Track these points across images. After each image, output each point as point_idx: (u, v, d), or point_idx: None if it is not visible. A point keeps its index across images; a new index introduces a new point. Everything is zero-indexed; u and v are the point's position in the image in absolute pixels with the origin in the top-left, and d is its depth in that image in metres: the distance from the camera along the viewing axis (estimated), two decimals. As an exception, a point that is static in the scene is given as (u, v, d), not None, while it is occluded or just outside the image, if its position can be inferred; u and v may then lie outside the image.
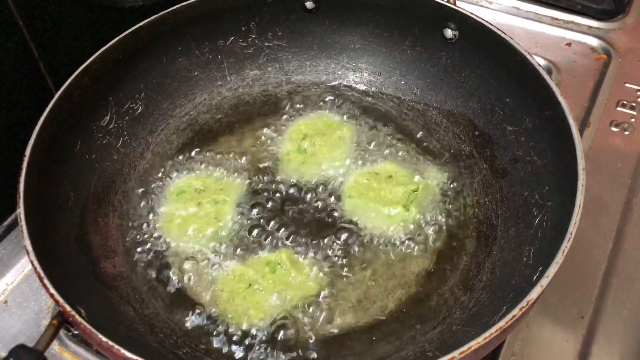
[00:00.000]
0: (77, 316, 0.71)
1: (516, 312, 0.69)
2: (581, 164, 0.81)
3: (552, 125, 0.90)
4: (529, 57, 0.95)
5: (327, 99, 1.18)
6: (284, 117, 1.15)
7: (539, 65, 0.94)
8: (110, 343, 0.69)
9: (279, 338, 0.87)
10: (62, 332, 0.97)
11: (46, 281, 0.74)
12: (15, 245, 1.10)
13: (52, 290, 0.73)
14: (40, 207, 0.86)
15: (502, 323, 0.68)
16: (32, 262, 0.76)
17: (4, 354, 0.71)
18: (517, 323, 0.71)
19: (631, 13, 1.43)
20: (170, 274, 0.94)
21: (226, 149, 1.10)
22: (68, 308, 0.72)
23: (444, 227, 0.98)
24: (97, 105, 1.03)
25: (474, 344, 0.66)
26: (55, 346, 0.96)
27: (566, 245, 0.74)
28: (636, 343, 0.92)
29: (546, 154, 0.92)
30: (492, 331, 0.67)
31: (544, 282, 0.71)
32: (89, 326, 0.70)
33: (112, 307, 0.88)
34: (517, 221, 0.93)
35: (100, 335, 0.69)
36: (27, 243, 0.78)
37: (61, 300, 0.72)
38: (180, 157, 1.09)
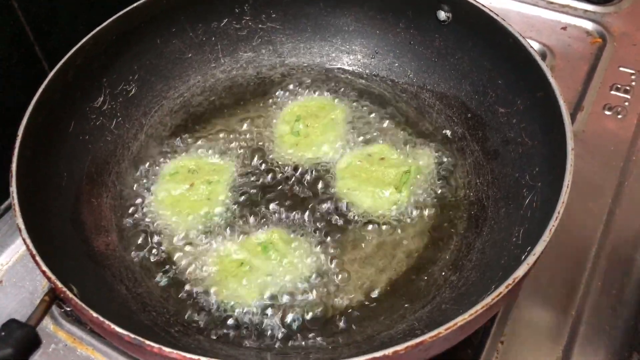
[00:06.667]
0: (68, 292, 0.72)
1: (502, 289, 0.70)
2: (570, 144, 0.81)
3: (543, 106, 0.90)
4: (521, 38, 0.95)
5: (320, 81, 1.18)
6: (278, 99, 1.16)
7: (531, 46, 0.94)
8: (102, 319, 0.69)
9: (269, 317, 0.87)
10: (56, 312, 0.98)
11: (38, 258, 0.74)
12: (10, 226, 1.10)
13: (44, 267, 0.73)
14: (33, 187, 0.86)
15: (488, 300, 0.68)
16: (24, 239, 0.76)
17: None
18: (503, 300, 0.71)
19: (627, -3, 1.43)
20: (163, 253, 0.95)
21: (219, 131, 1.11)
22: (59, 284, 0.72)
23: (436, 208, 0.98)
24: (90, 86, 1.03)
25: (460, 320, 0.67)
26: (50, 325, 0.97)
27: (553, 224, 0.74)
28: (624, 323, 0.93)
29: (537, 135, 0.92)
30: (478, 308, 0.68)
31: (531, 259, 0.72)
32: (80, 302, 0.71)
33: (105, 286, 0.88)
34: (507, 202, 0.93)
35: (91, 312, 0.70)
36: (20, 221, 0.78)
37: (52, 277, 0.73)
38: (174, 139, 1.10)
